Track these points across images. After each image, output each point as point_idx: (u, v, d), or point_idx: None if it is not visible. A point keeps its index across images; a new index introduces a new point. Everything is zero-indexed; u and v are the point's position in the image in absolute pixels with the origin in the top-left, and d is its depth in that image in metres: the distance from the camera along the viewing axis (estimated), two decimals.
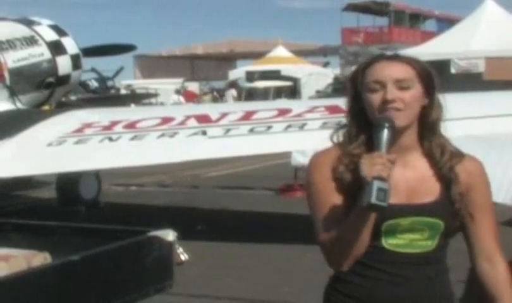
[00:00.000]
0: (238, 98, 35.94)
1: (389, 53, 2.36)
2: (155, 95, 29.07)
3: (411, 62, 2.28)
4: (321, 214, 2.30)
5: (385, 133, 2.18)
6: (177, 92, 37.35)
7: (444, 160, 2.27)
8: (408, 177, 2.26)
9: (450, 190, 2.25)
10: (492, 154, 6.11)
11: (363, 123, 2.30)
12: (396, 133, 2.22)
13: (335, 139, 2.38)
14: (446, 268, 2.33)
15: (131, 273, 4.90)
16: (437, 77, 2.31)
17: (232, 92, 39.72)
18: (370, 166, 2.12)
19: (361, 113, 2.30)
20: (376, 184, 2.11)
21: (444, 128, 2.32)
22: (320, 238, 2.29)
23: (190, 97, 39.77)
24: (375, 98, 2.24)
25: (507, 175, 6.19)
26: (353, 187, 2.23)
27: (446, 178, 2.26)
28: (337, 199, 2.28)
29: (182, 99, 36.10)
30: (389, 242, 2.25)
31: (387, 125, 2.19)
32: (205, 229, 8.45)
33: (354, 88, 2.32)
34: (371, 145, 2.26)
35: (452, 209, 2.24)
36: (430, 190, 2.26)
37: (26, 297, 4.39)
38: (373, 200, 2.10)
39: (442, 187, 2.26)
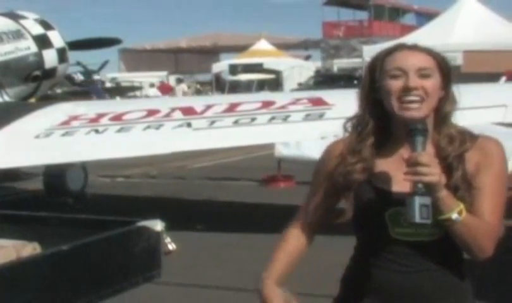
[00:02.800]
0: (221, 91, 36.02)
1: (409, 43, 2.32)
2: (139, 88, 29.13)
3: (432, 52, 2.28)
4: (305, 202, 2.41)
5: (420, 137, 2.14)
6: (152, 85, 37.38)
7: (450, 149, 2.24)
8: None
9: (453, 178, 2.21)
10: None
11: (378, 114, 2.29)
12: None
13: (349, 128, 2.35)
14: (458, 260, 2.29)
15: (120, 262, 4.98)
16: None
17: (183, 87, 40.12)
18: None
19: (375, 104, 2.29)
20: (418, 201, 2.08)
21: (456, 118, 2.30)
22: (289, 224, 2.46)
23: (166, 90, 39.74)
24: (396, 85, 2.22)
25: None
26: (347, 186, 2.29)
27: (451, 167, 2.23)
28: (322, 191, 2.36)
29: (158, 92, 36.21)
30: (395, 231, 2.24)
31: (420, 127, 2.16)
32: (204, 228, 8.52)
33: (372, 76, 2.30)
34: (380, 135, 2.29)
35: (456, 196, 2.18)
36: None
37: (16, 286, 4.47)
38: (418, 219, 2.08)
39: (447, 175, 2.21)
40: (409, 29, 37.39)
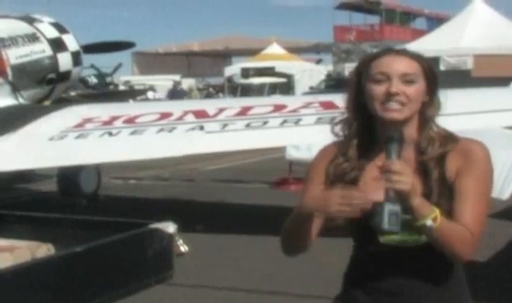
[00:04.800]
0: (233, 94, 36.03)
1: (396, 47, 2.34)
2: (145, 91, 29.28)
3: (418, 58, 2.29)
4: (298, 203, 2.40)
5: (395, 145, 2.16)
6: (151, 88, 37.28)
7: (429, 151, 2.25)
8: None
9: (429, 180, 2.22)
10: None
11: (363, 116, 2.31)
12: (396, 127, 2.22)
13: (338, 132, 2.39)
14: (450, 262, 2.27)
15: (133, 264, 5.05)
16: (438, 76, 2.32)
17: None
18: (377, 190, 2.13)
19: (361, 107, 2.31)
20: (387, 208, 2.09)
21: (440, 121, 2.31)
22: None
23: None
24: (379, 90, 2.24)
25: (494, 168, 6.32)
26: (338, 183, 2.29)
27: (428, 168, 2.24)
28: (316, 191, 2.33)
29: (156, 95, 36.06)
30: (383, 238, 2.25)
31: (396, 136, 2.18)
32: (202, 226, 8.58)
33: (358, 80, 2.33)
34: (365, 137, 2.32)
35: (429, 200, 2.18)
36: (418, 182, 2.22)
37: (31, 287, 4.54)
38: (386, 226, 2.09)
39: (425, 177, 2.23)
40: (420, 33, 37.32)
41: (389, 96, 2.23)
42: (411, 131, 2.28)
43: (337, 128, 2.39)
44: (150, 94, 33.93)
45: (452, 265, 2.29)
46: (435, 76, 2.31)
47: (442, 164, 2.25)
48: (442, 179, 2.24)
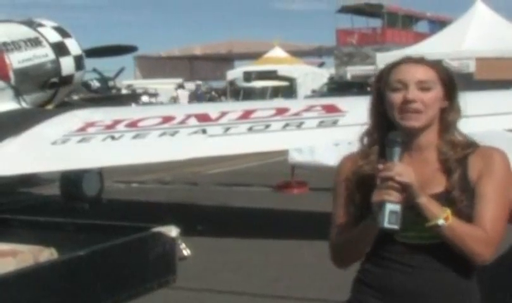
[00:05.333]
0: (236, 98, 36.02)
1: (415, 56, 2.39)
2: (139, 96, 29.28)
3: (436, 65, 2.35)
4: (335, 216, 2.42)
5: (397, 148, 2.23)
6: (144, 92, 37.02)
7: (451, 154, 2.31)
8: (421, 171, 2.27)
9: (450, 180, 2.28)
10: None
11: (385, 124, 2.36)
12: (415, 133, 2.30)
13: (365, 141, 2.43)
14: (463, 262, 2.29)
15: (136, 267, 5.05)
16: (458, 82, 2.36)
17: (185, 93, 39.92)
18: (380, 191, 2.19)
19: (382, 114, 2.37)
20: (388, 207, 2.17)
21: (461, 125, 2.36)
22: (332, 240, 2.42)
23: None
24: (397, 97, 2.30)
25: None
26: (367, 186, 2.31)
27: (450, 170, 2.30)
28: (351, 202, 2.38)
29: (148, 99, 35.65)
30: (399, 234, 2.28)
31: (399, 140, 2.24)
32: (204, 229, 8.59)
33: (378, 88, 2.39)
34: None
35: (449, 198, 2.25)
36: (439, 182, 2.31)
37: (34, 291, 4.55)
38: (386, 224, 2.17)
39: (447, 178, 2.30)
40: (422, 36, 37.39)
41: (406, 103, 2.29)
42: (431, 136, 2.34)
43: (363, 137, 2.43)
44: (144, 98, 33.49)
45: (465, 271, 2.33)
46: (453, 82, 2.36)
47: (464, 165, 2.32)
48: (464, 178, 2.30)
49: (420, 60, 2.36)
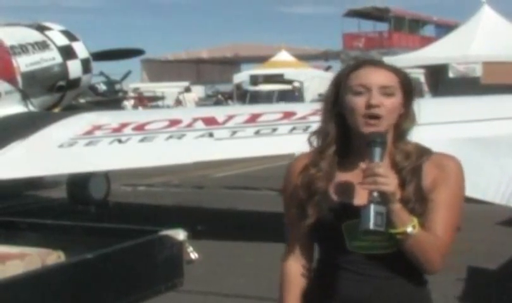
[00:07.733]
0: (242, 101, 35.98)
1: (374, 59, 2.37)
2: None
3: (396, 70, 2.30)
4: (288, 231, 2.42)
5: (378, 148, 2.18)
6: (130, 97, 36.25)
7: (406, 163, 2.26)
8: None
9: (405, 191, 2.23)
10: (488, 156, 6.28)
11: (339, 126, 2.32)
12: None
13: (313, 142, 2.39)
14: (416, 269, 2.27)
15: (143, 271, 5.05)
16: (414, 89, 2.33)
17: (193, 96, 39.76)
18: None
19: (337, 118, 2.32)
20: (374, 209, 2.11)
21: (413, 133, 2.33)
22: (282, 261, 2.52)
23: (143, 102, 37.70)
24: (359, 101, 2.24)
25: (503, 176, 6.33)
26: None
27: (405, 180, 2.24)
28: (302, 215, 2.32)
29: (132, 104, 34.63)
30: (352, 244, 2.26)
31: (379, 139, 2.19)
32: (204, 229, 8.59)
33: (336, 91, 2.33)
34: (341, 148, 2.31)
35: (406, 209, 2.19)
36: None
37: (41, 294, 4.55)
38: (372, 226, 2.10)
39: (401, 188, 2.22)
40: (428, 40, 37.28)
41: (370, 107, 2.23)
42: (387, 143, 2.27)
43: (313, 138, 2.39)
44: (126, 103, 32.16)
45: (419, 279, 2.32)
46: (412, 89, 2.32)
47: (418, 174, 2.27)
48: (418, 189, 2.26)
49: (380, 64, 2.32)
